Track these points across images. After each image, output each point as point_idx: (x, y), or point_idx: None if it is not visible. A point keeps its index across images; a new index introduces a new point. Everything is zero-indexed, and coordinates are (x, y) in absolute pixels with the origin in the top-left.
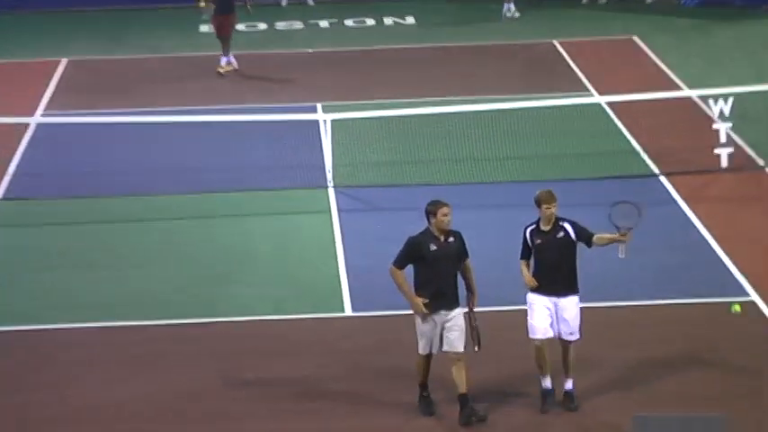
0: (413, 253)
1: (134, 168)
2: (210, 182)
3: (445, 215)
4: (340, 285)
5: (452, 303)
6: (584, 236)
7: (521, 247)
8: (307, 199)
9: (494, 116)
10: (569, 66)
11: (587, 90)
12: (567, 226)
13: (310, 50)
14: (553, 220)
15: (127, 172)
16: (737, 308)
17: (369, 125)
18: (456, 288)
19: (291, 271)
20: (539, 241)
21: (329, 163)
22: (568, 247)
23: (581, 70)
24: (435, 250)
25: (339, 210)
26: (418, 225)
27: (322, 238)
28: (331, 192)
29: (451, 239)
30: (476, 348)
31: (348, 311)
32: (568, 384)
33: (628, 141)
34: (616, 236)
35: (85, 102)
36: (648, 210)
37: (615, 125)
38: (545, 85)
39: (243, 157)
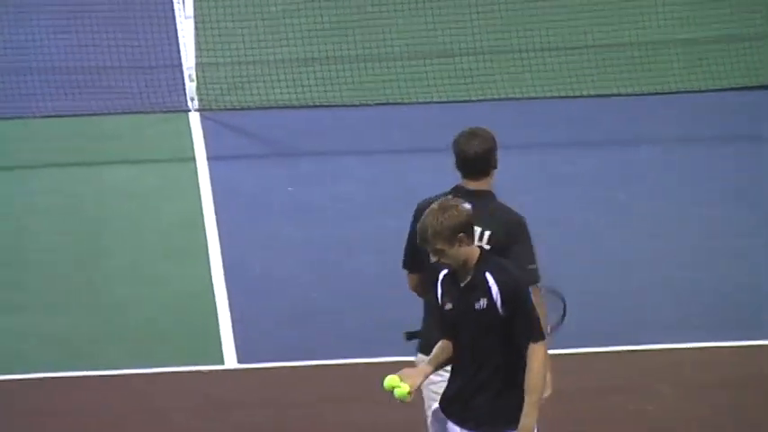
0: None
1: None
2: None
3: None
4: (216, 316)
5: None
6: (521, 324)
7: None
8: (146, 134)
9: None
10: None
11: None
12: (491, 280)
13: None
14: (472, 265)
15: None
16: (399, 391)
17: None
18: None
19: (109, 284)
20: (448, 305)
21: (190, 61)
22: (491, 326)
23: None
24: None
25: (210, 157)
26: (365, 186)
27: (178, 215)
28: (194, 120)
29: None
30: None
31: (231, 363)
32: None
33: None
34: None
35: None
36: None
37: None
38: None
39: (14, 46)
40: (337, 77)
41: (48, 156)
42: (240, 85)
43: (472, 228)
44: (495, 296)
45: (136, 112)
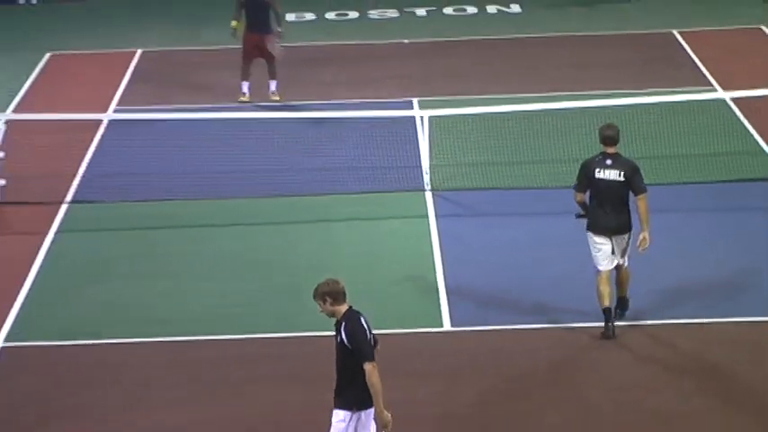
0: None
1: (207, 169)
2: (293, 184)
3: None
4: (438, 298)
5: None
6: (357, 352)
7: None
8: (402, 203)
9: (606, 113)
10: (690, 57)
11: (710, 85)
12: (343, 328)
13: (406, 41)
14: (339, 317)
15: (199, 173)
16: None
17: (470, 123)
18: None
19: (383, 282)
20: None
21: (426, 164)
22: (344, 353)
23: (703, 62)
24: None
25: (437, 215)
26: (523, 232)
27: (418, 247)
28: (428, 195)
29: None
30: None
31: (447, 326)
32: None
33: (756, 142)
34: None
35: (160, 96)
36: None
37: (741, 124)
38: (663, 78)
39: (329, 157)
40: (511, 172)
41: (345, 213)
42: (454, 176)
43: (338, 295)
44: (344, 337)
45: (396, 191)
